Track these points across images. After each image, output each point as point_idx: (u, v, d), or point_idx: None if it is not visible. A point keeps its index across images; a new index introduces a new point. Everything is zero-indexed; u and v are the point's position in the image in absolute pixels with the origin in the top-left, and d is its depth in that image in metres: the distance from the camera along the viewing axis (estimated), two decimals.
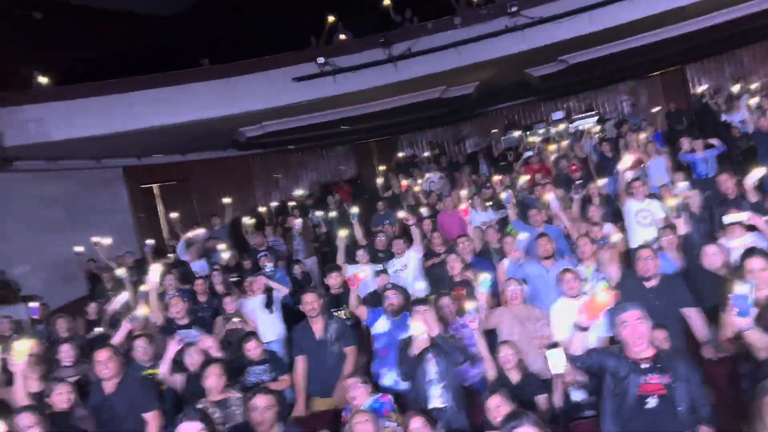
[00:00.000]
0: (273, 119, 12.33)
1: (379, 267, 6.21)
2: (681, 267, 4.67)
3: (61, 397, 4.12)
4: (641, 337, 2.98)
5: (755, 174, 5.45)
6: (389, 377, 4.77)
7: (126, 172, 14.32)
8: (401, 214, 7.11)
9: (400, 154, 14.36)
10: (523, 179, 8.48)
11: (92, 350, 5.38)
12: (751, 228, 4.59)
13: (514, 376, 4.04)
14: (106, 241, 9.33)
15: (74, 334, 6.57)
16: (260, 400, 3.35)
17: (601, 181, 7.37)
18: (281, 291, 6.70)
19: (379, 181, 11.19)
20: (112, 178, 14.07)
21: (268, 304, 6.48)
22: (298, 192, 13.68)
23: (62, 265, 11.05)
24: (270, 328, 6.18)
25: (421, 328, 3.99)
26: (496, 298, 5.43)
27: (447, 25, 10.94)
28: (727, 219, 4.50)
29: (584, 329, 3.04)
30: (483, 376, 4.44)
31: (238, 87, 11.22)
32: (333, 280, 5.87)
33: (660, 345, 3.49)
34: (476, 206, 8.04)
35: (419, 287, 4.84)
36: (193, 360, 4.58)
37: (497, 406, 3.26)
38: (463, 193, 8.04)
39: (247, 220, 9.90)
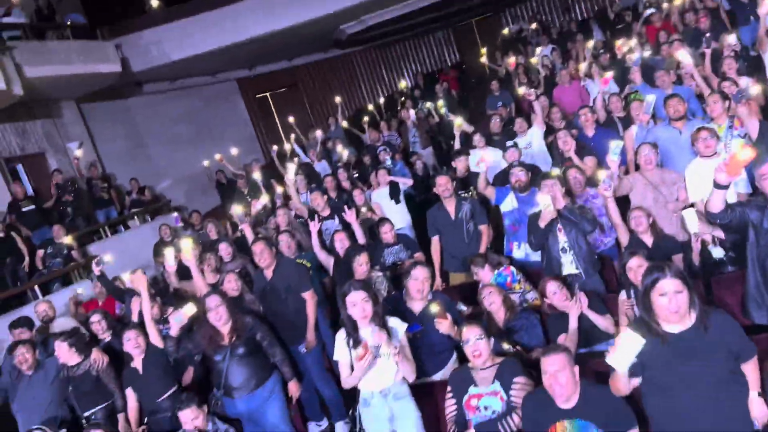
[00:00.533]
0: (371, 12, 12.19)
1: (498, 150, 6.20)
2: None
3: (231, 285, 4.74)
4: None
5: None
6: (520, 251, 4.98)
7: (240, 84, 14.99)
8: (521, 90, 6.96)
9: (505, 31, 13.69)
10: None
11: (242, 247, 6.11)
12: None
13: (648, 239, 4.06)
14: (234, 150, 9.94)
15: (223, 235, 7.31)
16: (420, 272, 3.68)
17: (732, 37, 6.64)
18: (406, 183, 6.97)
19: (484, 61, 10.84)
20: (228, 91, 14.81)
21: (394, 195, 6.78)
22: (403, 84, 13.64)
23: (197, 177, 12.07)
24: (397, 216, 6.48)
25: (548, 200, 4.08)
26: (625, 166, 5.34)
27: None
28: None
29: (724, 187, 2.93)
30: (616, 242, 4.49)
31: None
32: (461, 164, 6.00)
33: None
34: (595, 76, 7.66)
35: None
36: (342, 245, 5.03)
37: (639, 266, 3.33)
38: (583, 65, 7.68)
39: (362, 118, 10.11)
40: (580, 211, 4.26)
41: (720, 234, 3.65)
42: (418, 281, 3.66)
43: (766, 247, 2.94)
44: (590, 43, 8.85)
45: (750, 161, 2.72)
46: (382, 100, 13.08)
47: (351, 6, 11.39)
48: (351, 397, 3.66)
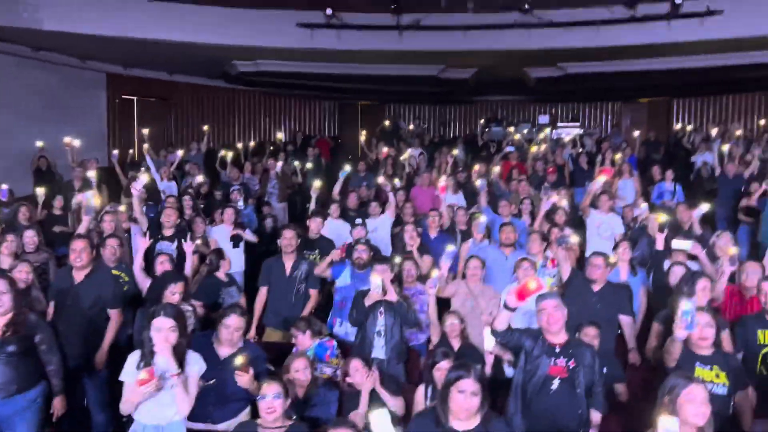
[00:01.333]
0: (268, 59, 12.28)
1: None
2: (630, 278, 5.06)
3: (22, 275, 4.26)
4: (556, 323, 3.27)
5: (701, 208, 5.89)
6: (341, 328, 5.05)
7: (109, 79, 14.06)
8: (380, 179, 7.31)
9: (386, 123, 14.51)
10: (496, 170, 8.84)
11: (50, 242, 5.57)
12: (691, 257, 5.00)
13: (456, 343, 4.36)
14: (76, 142, 9.31)
15: (33, 223, 6.60)
16: (233, 320, 3.57)
17: (564, 201, 7.61)
18: (249, 238, 6.83)
19: (363, 140, 11.36)
20: (93, 80, 13.79)
21: (235, 239, 6.64)
22: (279, 136, 13.72)
23: (23, 156, 10.87)
24: (233, 259, 6.32)
25: (379, 281, 4.24)
26: (453, 273, 5.75)
27: (459, 6, 11.01)
28: (675, 244, 4.89)
29: (511, 310, 3.30)
30: (428, 339, 4.75)
31: (239, 18, 11.10)
32: (315, 224, 6.06)
33: (590, 341, 3.84)
34: (449, 187, 8.30)
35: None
36: (163, 267, 4.76)
37: (447, 369, 3.54)
38: (443, 176, 8.33)
39: (227, 153, 9.93)
40: (408, 304, 4.48)
41: (510, 357, 4.02)
42: (229, 329, 3.56)
43: (530, 374, 3.27)
44: (450, 158, 9.67)
45: (537, 292, 3.12)
46: (252, 144, 12.98)
47: (248, 46, 11.40)
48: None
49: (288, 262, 5.09)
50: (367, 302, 4.33)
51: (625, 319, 4.50)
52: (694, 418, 2.49)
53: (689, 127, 12.19)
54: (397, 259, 5.06)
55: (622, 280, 4.93)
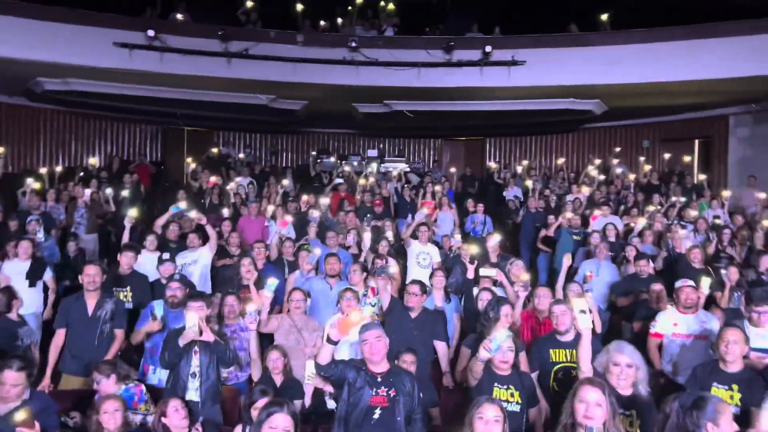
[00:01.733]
0: (80, 78, 11.29)
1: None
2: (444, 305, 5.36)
3: None
4: (378, 353, 3.34)
5: (494, 239, 6.55)
6: (155, 375, 4.65)
7: None
8: (193, 214, 6.82)
9: (215, 150, 14.03)
10: (326, 201, 8.94)
11: None
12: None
13: (278, 380, 4.24)
14: None
15: None
16: (9, 376, 3.17)
17: (389, 233, 7.87)
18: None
19: (190, 169, 10.86)
20: None
21: (33, 275, 5.90)
22: (93, 161, 12.58)
23: None
24: (28, 298, 5.60)
25: (195, 319, 3.99)
26: (280, 305, 5.64)
27: (289, 39, 11.14)
28: (482, 272, 5.31)
29: (333, 343, 3.30)
30: (249, 377, 4.57)
31: (49, 33, 10.12)
32: (126, 259, 5.56)
33: (407, 367, 3.97)
34: (278, 218, 8.21)
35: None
36: None
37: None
38: (270, 207, 8.21)
39: (31, 180, 8.79)
40: (226, 340, 4.27)
41: (330, 389, 4.01)
42: (5, 386, 3.16)
43: (353, 405, 3.29)
44: (280, 188, 9.59)
45: (358, 324, 3.17)
46: (59, 169, 11.73)
47: (58, 63, 10.40)
48: None
49: (91, 301, 4.61)
50: (182, 342, 4.04)
51: (439, 345, 4.72)
52: None
53: (494, 165, 13.41)
54: (218, 294, 4.83)
55: (437, 306, 5.20)
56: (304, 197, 9.01)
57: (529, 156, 15.69)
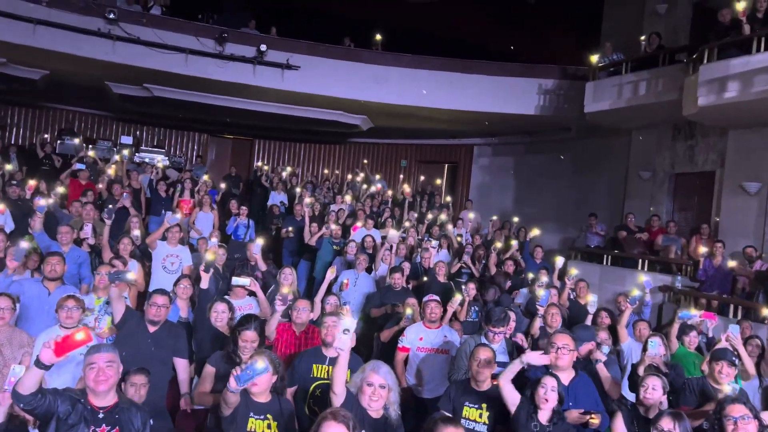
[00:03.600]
0: None
1: None
2: (186, 317, 4.82)
3: None
4: (105, 382, 2.78)
5: (258, 243, 6.38)
6: None
7: None
8: None
9: None
10: (61, 190, 7.64)
11: None
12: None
13: None
14: None
15: None
16: None
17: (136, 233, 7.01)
18: None
19: None
20: None
21: None
22: None
23: None
24: None
25: None
26: None
27: None
28: (234, 281, 4.92)
29: (45, 367, 2.55)
30: None
31: None
32: None
33: (137, 390, 3.42)
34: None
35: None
36: None
37: None
38: None
39: None
40: None
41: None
42: None
43: None
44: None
45: (85, 344, 2.57)
46: None
47: None
48: None
49: None
50: None
51: (180, 363, 4.13)
52: None
53: (266, 167, 13.08)
54: None
55: (181, 317, 4.66)
56: (31, 182, 7.56)
57: (297, 162, 15.68)
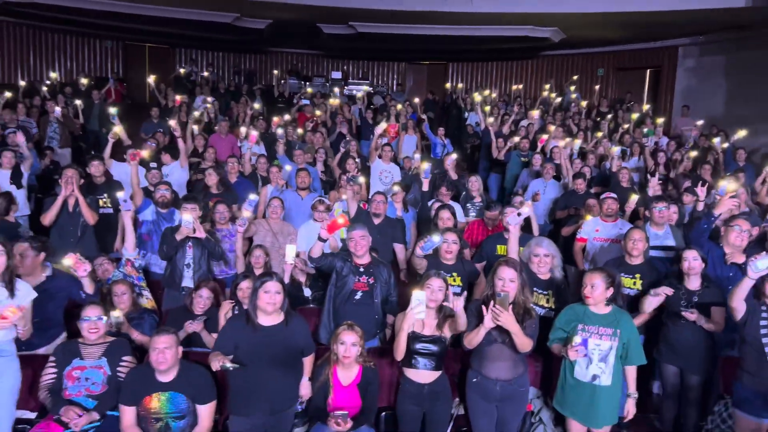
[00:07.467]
0: None
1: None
2: (403, 214, 6.06)
3: None
4: (361, 248, 4.07)
5: (451, 157, 7.30)
6: (144, 260, 5.25)
7: None
8: (172, 122, 7.26)
9: (182, 71, 14.05)
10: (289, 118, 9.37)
11: None
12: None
13: (258, 272, 4.89)
14: None
15: None
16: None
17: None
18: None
19: (152, 85, 11.04)
20: None
21: (15, 179, 6.28)
22: (54, 75, 12.53)
23: None
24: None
25: (190, 218, 4.56)
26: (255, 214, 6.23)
27: None
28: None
29: (324, 240, 4.02)
30: (235, 274, 5.21)
31: None
32: (95, 168, 5.96)
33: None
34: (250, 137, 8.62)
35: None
36: None
37: (248, 288, 4.08)
38: (243, 128, 8.58)
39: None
40: (215, 239, 4.90)
41: (305, 279, 4.75)
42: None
43: (340, 288, 4.07)
44: (250, 110, 9.92)
45: (344, 226, 3.83)
46: (22, 83, 11.70)
47: None
48: None
49: (71, 200, 5.16)
50: (178, 237, 4.64)
51: (398, 247, 5.44)
52: (431, 303, 3.38)
53: (460, 86, 13.88)
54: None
55: (397, 215, 5.89)
56: (275, 119, 9.37)
57: (489, 81, 16.18)
